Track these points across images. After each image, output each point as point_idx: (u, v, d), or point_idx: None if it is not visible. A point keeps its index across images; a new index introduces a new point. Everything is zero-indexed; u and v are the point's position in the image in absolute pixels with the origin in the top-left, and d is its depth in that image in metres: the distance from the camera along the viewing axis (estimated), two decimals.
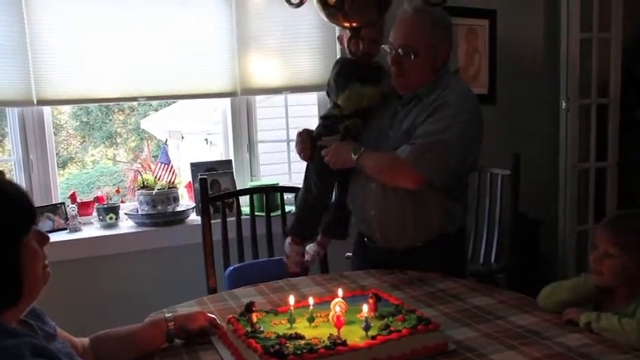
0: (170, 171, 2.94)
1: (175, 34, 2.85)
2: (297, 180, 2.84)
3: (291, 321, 1.46)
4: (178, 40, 2.86)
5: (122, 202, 3.13)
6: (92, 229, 2.89)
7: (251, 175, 3.19)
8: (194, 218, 2.98)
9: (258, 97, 3.26)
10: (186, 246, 2.79)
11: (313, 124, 2.32)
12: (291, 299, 1.52)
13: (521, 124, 3.68)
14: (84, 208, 2.95)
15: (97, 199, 2.99)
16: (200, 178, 2.51)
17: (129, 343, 1.43)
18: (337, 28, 2.17)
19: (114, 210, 2.91)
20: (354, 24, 1.30)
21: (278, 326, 1.45)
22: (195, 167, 3.08)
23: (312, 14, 3.01)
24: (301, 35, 3.06)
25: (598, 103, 3.52)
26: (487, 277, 2.59)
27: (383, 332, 1.35)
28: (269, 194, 2.71)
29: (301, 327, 1.43)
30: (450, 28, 2.06)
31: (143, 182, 2.92)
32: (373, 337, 1.33)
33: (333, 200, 2.29)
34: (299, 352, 1.25)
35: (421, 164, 1.92)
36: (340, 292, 1.53)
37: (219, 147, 3.44)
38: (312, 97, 3.29)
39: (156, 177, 2.93)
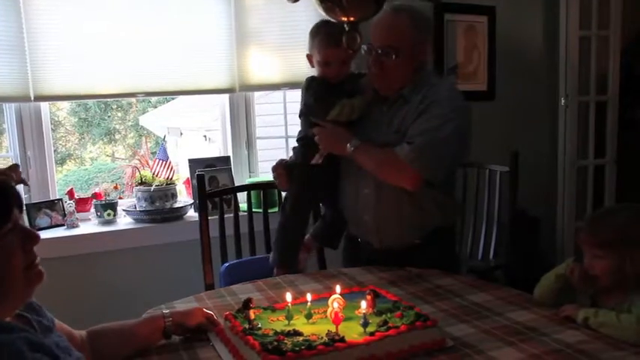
0: (168, 167, 2.93)
1: (174, 31, 2.84)
2: None
3: (289, 317, 1.45)
4: (177, 36, 2.85)
5: (120, 198, 3.13)
6: (90, 225, 2.88)
7: (249, 172, 3.18)
8: (192, 214, 2.97)
9: (257, 94, 3.26)
10: (184, 242, 2.78)
11: None
12: (289, 296, 1.51)
13: (520, 120, 3.68)
14: (82, 204, 2.95)
15: (95, 196, 2.98)
16: (197, 175, 2.50)
17: (125, 338, 1.43)
18: (306, 46, 2.14)
19: (112, 206, 2.90)
20: (352, 18, 1.30)
21: (276, 323, 1.45)
22: (194, 163, 3.07)
23: (310, 10, 3.00)
24: (300, 31, 3.04)
25: (597, 100, 3.52)
26: (485, 274, 2.58)
27: (381, 328, 1.35)
28: (267, 190, 2.70)
29: (299, 323, 1.43)
30: (430, 25, 2.06)
31: (141, 178, 2.92)
32: (371, 334, 1.33)
33: (324, 212, 2.29)
34: (297, 348, 1.25)
35: (420, 163, 1.92)
36: (338, 288, 1.53)
37: (218, 143, 3.43)
38: None
39: (154, 173, 2.92)
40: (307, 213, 2.24)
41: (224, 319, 1.49)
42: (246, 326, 1.39)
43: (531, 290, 1.71)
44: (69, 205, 2.82)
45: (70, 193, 2.92)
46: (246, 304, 1.48)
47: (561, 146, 3.52)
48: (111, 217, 2.89)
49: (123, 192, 3.29)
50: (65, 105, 8.68)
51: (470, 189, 2.81)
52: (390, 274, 1.99)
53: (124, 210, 2.94)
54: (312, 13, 3.00)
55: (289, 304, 1.49)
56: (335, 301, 1.42)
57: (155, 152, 3.07)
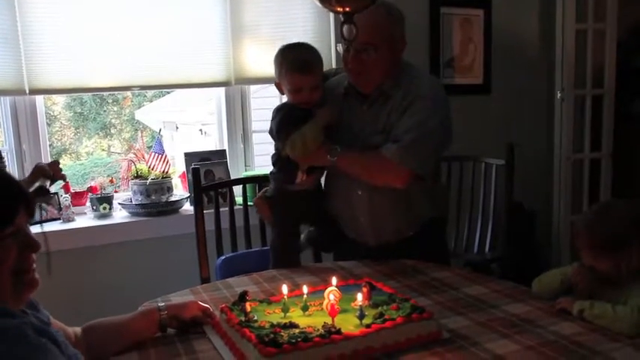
0: (164, 161, 2.93)
1: (169, 24, 2.84)
2: None
3: (285, 310, 1.45)
4: (172, 29, 2.84)
5: (116, 192, 3.12)
6: (85, 219, 2.88)
7: (245, 165, 3.18)
8: (188, 208, 2.97)
9: (253, 87, 3.25)
10: (179, 236, 2.78)
11: None
12: (285, 288, 1.51)
13: (516, 114, 3.68)
14: (77, 198, 2.94)
15: (91, 189, 2.97)
16: (192, 168, 2.49)
17: (121, 333, 1.43)
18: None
19: (107, 200, 2.90)
20: (347, 9, 1.29)
21: (272, 315, 1.45)
22: (189, 157, 3.06)
23: (306, 2, 3.00)
24: (296, 24, 3.04)
25: (593, 93, 3.53)
26: (481, 267, 2.59)
27: (377, 321, 1.35)
28: (263, 184, 2.69)
29: (295, 316, 1.43)
30: (403, 18, 2.03)
31: (137, 172, 2.91)
32: (368, 326, 1.33)
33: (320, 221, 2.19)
34: (294, 340, 1.25)
35: (409, 161, 1.91)
36: (334, 280, 1.52)
37: (214, 137, 3.42)
38: None
39: (150, 167, 2.92)
40: (296, 235, 2.16)
41: (220, 312, 1.49)
42: (243, 319, 1.39)
43: (527, 283, 1.71)
44: (64, 198, 2.82)
45: (66, 187, 2.91)
46: (242, 297, 1.47)
47: (557, 140, 3.53)
48: (106, 210, 2.88)
49: (119, 186, 3.29)
50: (60, 99, 8.64)
51: (466, 182, 2.82)
52: (385, 267, 1.98)
53: (119, 203, 2.94)
54: (307, 6, 3.00)
55: (285, 297, 1.48)
56: (331, 294, 1.42)
57: (151, 146, 3.07)
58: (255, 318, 1.41)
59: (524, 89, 3.71)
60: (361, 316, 1.36)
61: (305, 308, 1.45)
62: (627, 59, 3.79)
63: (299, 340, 1.25)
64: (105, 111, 9.62)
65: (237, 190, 2.72)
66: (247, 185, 2.68)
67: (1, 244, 1.03)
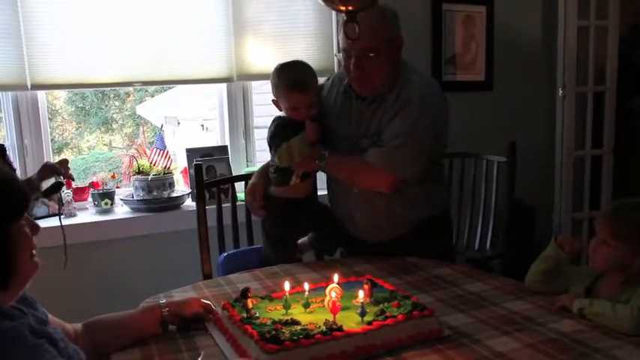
0: (166, 156, 2.93)
1: (172, 19, 2.83)
2: None
3: (287, 307, 1.46)
4: (174, 25, 2.84)
5: (117, 187, 3.12)
6: (87, 214, 2.88)
7: (247, 161, 3.18)
8: (189, 204, 2.97)
9: (255, 83, 3.24)
10: (181, 232, 2.78)
11: None
12: (287, 285, 1.52)
13: (518, 111, 3.68)
14: (79, 193, 2.95)
15: (93, 185, 2.98)
16: (195, 164, 2.49)
17: (123, 329, 1.43)
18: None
19: (109, 195, 2.90)
20: (350, 7, 1.29)
21: (273, 312, 1.45)
22: (191, 153, 3.06)
23: None
24: (298, 20, 3.04)
25: (594, 90, 3.52)
26: (482, 264, 2.60)
27: (379, 318, 1.36)
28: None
29: (297, 313, 1.44)
30: (397, 17, 2.03)
31: (139, 168, 2.92)
32: (369, 323, 1.34)
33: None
34: (295, 337, 1.26)
35: (392, 166, 1.94)
36: (336, 277, 1.53)
37: (215, 133, 3.42)
38: None
39: (151, 162, 2.92)
40: (291, 246, 2.19)
41: (222, 309, 1.49)
42: (244, 315, 1.40)
43: None
44: (66, 194, 2.82)
45: (68, 182, 2.91)
46: (244, 294, 1.48)
47: (559, 136, 3.52)
48: (108, 206, 2.89)
49: (120, 181, 3.29)
50: (62, 94, 8.64)
51: (467, 179, 2.82)
52: (387, 264, 1.99)
53: (121, 199, 2.94)
54: (310, 3, 3.00)
55: (287, 294, 1.49)
56: (332, 291, 1.42)
57: (152, 141, 3.07)
58: (257, 314, 1.41)
59: (526, 86, 3.71)
60: (362, 313, 1.36)
61: (306, 305, 1.46)
62: (629, 56, 3.78)
63: (300, 336, 1.26)
64: (106, 106, 9.62)
65: (239, 186, 2.72)
66: (249, 181, 2.68)
67: (23, 231, 1.10)
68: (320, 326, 1.32)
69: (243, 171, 3.04)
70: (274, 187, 2.13)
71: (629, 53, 3.78)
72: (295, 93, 1.99)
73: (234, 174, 2.97)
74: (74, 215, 2.82)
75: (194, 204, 2.65)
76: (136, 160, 2.96)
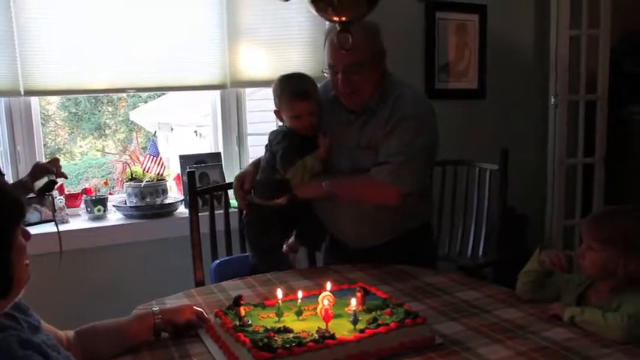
0: (159, 163, 2.92)
1: (165, 26, 2.83)
2: None
3: (279, 314, 1.46)
4: (168, 31, 2.84)
5: (110, 194, 3.12)
6: (80, 221, 2.88)
7: (240, 168, 3.18)
8: (182, 211, 2.97)
9: (248, 90, 3.25)
10: (174, 238, 2.78)
11: None
12: (279, 292, 1.52)
13: (511, 119, 3.70)
14: (72, 199, 2.94)
15: (85, 191, 2.97)
16: (188, 171, 2.50)
17: (116, 337, 1.43)
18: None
19: (102, 202, 2.89)
20: (344, 18, 1.30)
21: (266, 320, 1.45)
22: (184, 159, 3.06)
23: (302, 7, 2.99)
24: (292, 28, 3.05)
25: (586, 99, 3.55)
26: (474, 271, 2.60)
27: (371, 326, 1.36)
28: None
29: (289, 320, 1.44)
30: (379, 30, 2.07)
31: (132, 174, 2.91)
32: (361, 331, 1.34)
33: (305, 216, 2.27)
34: (288, 345, 1.26)
35: (401, 181, 2.00)
36: (328, 285, 1.53)
37: (209, 139, 3.42)
38: None
39: (144, 169, 2.91)
40: (278, 252, 2.23)
41: (214, 316, 1.49)
42: (237, 323, 1.40)
43: None
44: (59, 200, 2.81)
45: (60, 189, 2.91)
46: (237, 301, 1.48)
47: (551, 145, 3.54)
48: (101, 212, 2.88)
49: (113, 187, 3.28)
50: (55, 99, 8.61)
51: (459, 187, 2.83)
52: (379, 272, 2.00)
53: (114, 206, 2.94)
54: (304, 10, 3.00)
55: (280, 301, 1.49)
56: (325, 299, 1.43)
57: (145, 147, 3.06)
58: (250, 322, 1.41)
59: (519, 94, 3.73)
60: (355, 321, 1.37)
61: (299, 313, 1.46)
62: (620, 65, 3.81)
63: (293, 344, 1.26)
64: (99, 111, 9.60)
65: (232, 193, 2.72)
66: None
67: (19, 242, 1.11)
68: (312, 334, 1.32)
69: None
70: (257, 198, 2.18)
71: (621, 62, 3.81)
72: (298, 101, 2.07)
73: (227, 181, 2.97)
74: (67, 222, 2.81)
75: (187, 211, 2.66)
76: (129, 167, 2.95)
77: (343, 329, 1.36)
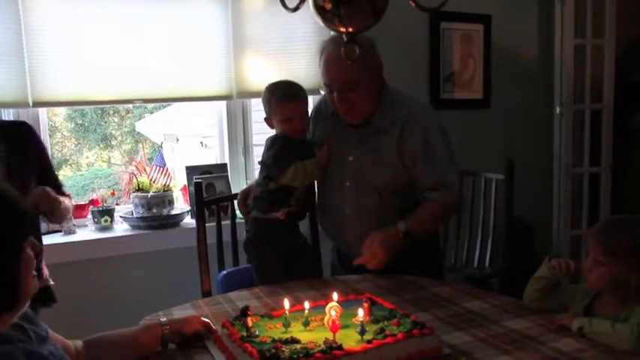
0: (165, 174, 2.93)
1: (171, 37, 2.85)
2: None
3: (287, 325, 1.46)
4: (174, 42, 2.86)
5: (117, 204, 3.13)
6: (87, 231, 2.88)
7: (246, 179, 3.18)
8: (189, 221, 2.98)
9: (254, 101, 3.26)
10: (181, 249, 2.78)
11: None
12: (286, 303, 1.52)
13: (516, 128, 3.70)
14: (78, 210, 2.95)
15: (92, 202, 2.98)
16: (195, 182, 2.50)
17: (124, 347, 1.43)
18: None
19: (109, 213, 2.90)
20: (350, 29, 1.31)
21: (273, 330, 1.45)
22: (191, 170, 3.07)
23: (308, 17, 3.01)
24: (297, 38, 3.06)
25: (592, 108, 3.54)
26: (481, 282, 2.59)
27: (378, 336, 1.36)
28: None
29: (296, 331, 1.44)
30: (374, 45, 2.07)
31: (138, 185, 2.92)
32: (369, 341, 1.34)
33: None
34: (295, 356, 1.26)
35: (453, 191, 2.14)
36: (335, 296, 1.53)
37: (215, 150, 3.43)
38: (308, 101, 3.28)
39: (151, 180, 2.92)
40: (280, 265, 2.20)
41: (221, 327, 1.49)
42: (244, 334, 1.40)
43: None
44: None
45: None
46: (244, 312, 1.48)
47: (557, 154, 3.54)
48: (108, 223, 2.89)
49: (120, 198, 3.29)
50: (62, 111, 8.66)
51: (466, 197, 2.82)
52: (386, 282, 1.99)
53: (120, 216, 2.94)
54: (309, 21, 3.02)
55: (287, 312, 1.49)
56: (332, 309, 1.42)
57: (152, 158, 3.07)
58: (257, 333, 1.41)
59: (524, 104, 3.73)
60: (362, 332, 1.36)
61: (306, 323, 1.46)
62: (626, 74, 3.81)
63: (300, 355, 1.26)
64: (106, 122, 9.64)
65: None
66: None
67: (27, 254, 1.11)
68: (320, 345, 1.32)
69: (243, 188, 3.05)
70: (256, 212, 2.17)
71: (626, 71, 3.81)
72: (288, 102, 2.08)
73: (233, 192, 2.97)
74: (74, 232, 2.82)
75: (193, 221, 2.66)
76: (136, 177, 2.97)
77: (350, 340, 1.36)
